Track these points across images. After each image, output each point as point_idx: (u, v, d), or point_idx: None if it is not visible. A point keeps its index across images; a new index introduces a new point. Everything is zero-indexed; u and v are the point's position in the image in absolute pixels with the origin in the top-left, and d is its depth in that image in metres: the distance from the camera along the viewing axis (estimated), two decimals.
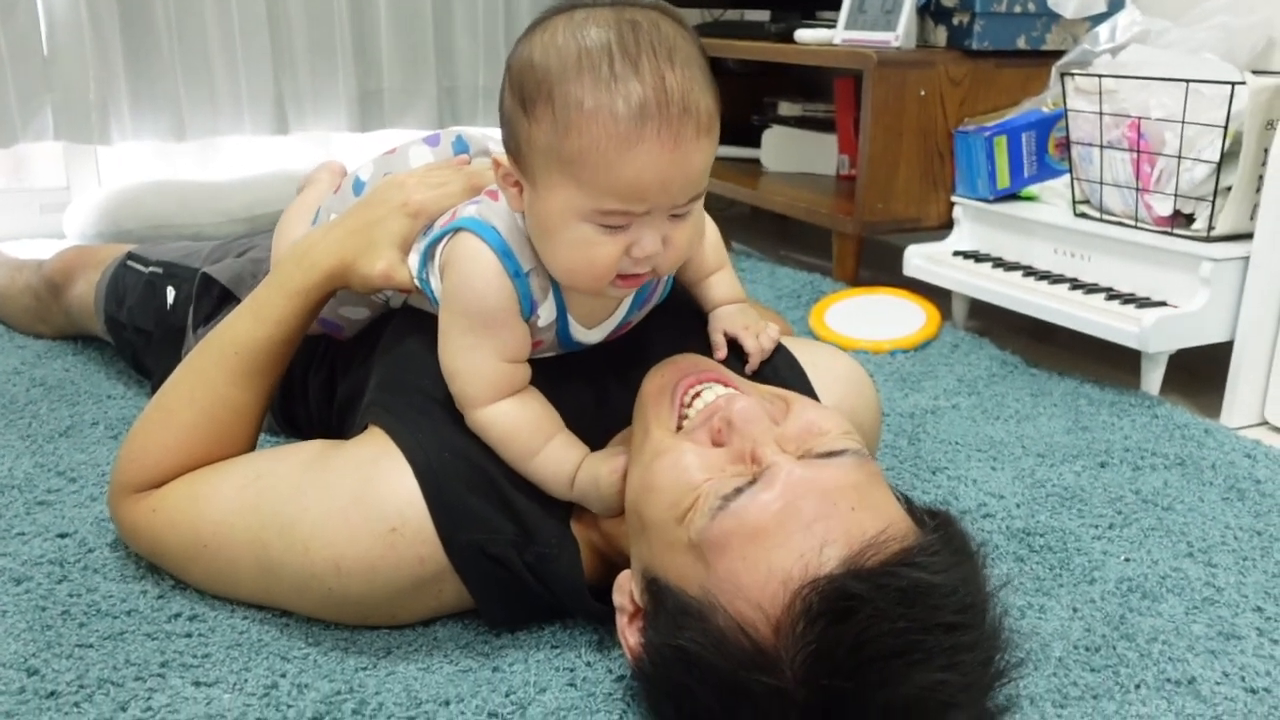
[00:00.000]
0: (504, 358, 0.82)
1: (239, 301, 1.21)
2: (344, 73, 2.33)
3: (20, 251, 1.83)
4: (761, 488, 0.68)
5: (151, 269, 1.35)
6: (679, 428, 0.79)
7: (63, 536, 1.01)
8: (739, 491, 0.69)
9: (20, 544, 1.00)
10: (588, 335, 0.87)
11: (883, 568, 0.63)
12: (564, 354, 0.89)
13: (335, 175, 1.24)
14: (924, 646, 0.60)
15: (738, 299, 0.97)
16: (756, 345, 0.94)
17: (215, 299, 1.26)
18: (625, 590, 0.77)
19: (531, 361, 0.86)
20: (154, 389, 1.32)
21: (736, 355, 0.94)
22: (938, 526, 0.70)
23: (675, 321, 0.95)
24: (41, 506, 1.07)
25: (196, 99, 2.21)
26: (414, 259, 0.91)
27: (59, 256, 1.53)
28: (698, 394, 0.81)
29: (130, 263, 1.39)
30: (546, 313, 0.83)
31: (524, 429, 0.83)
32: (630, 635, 0.76)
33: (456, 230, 0.83)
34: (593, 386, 0.91)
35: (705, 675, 0.64)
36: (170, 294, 1.31)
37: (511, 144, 0.76)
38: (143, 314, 1.34)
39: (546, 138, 0.72)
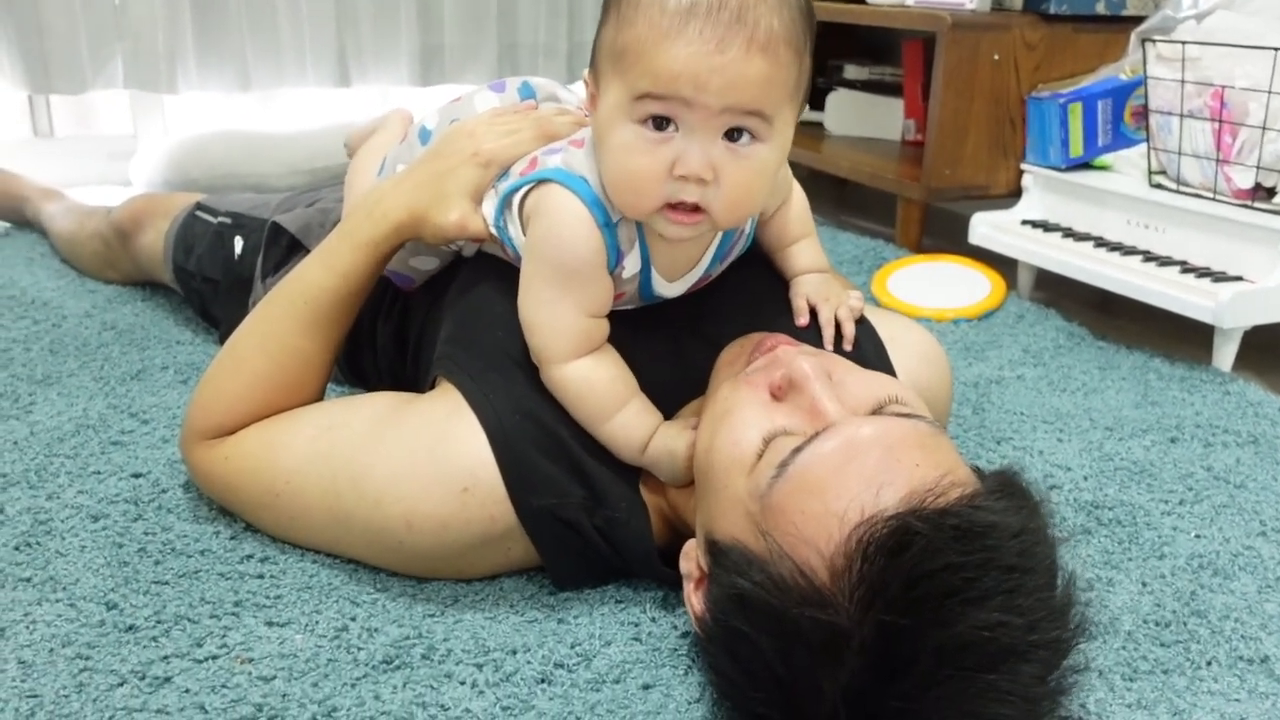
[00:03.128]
0: (586, 312, 0.82)
1: (307, 251, 1.23)
2: (406, 27, 2.32)
3: (89, 198, 1.87)
4: (822, 443, 0.68)
5: (220, 219, 1.37)
6: None
7: (137, 476, 1.03)
8: (797, 452, 0.68)
9: (97, 482, 1.02)
10: (669, 288, 0.87)
11: (941, 508, 0.62)
12: (643, 308, 0.89)
13: (404, 122, 1.24)
14: (980, 585, 0.59)
15: (821, 268, 0.96)
16: (831, 316, 0.92)
17: (284, 248, 1.27)
18: (692, 557, 0.78)
19: (611, 315, 0.86)
20: (221, 337, 1.34)
21: (819, 327, 0.93)
22: (1001, 479, 0.69)
23: (754, 283, 0.95)
24: (116, 447, 1.10)
25: (261, 51, 2.22)
26: (489, 207, 0.90)
27: (128, 204, 1.55)
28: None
29: (199, 213, 1.40)
30: (631, 264, 0.83)
31: (600, 390, 0.83)
32: (695, 601, 0.76)
33: (543, 181, 0.82)
34: (671, 345, 0.90)
35: (762, 619, 0.64)
36: (238, 244, 1.33)
37: (592, 60, 0.78)
38: (211, 263, 1.36)
39: (609, 36, 0.74)
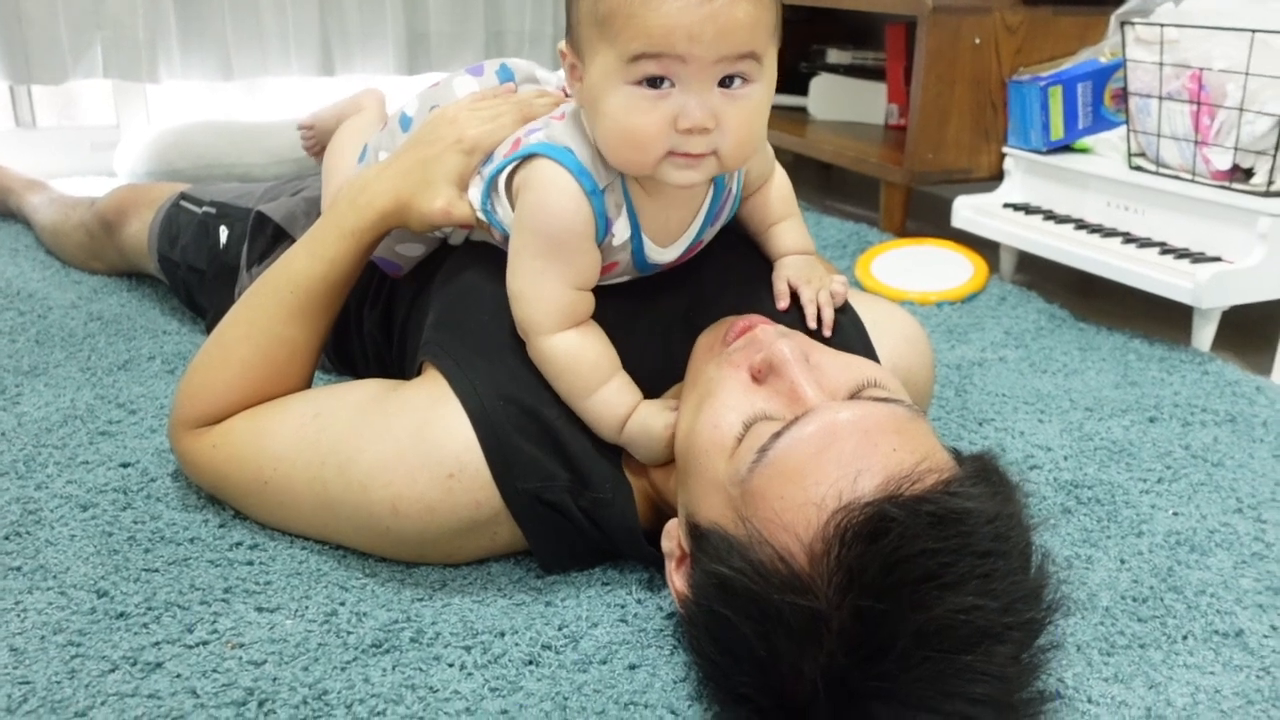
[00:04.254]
0: (572, 284, 0.83)
1: (293, 240, 1.23)
2: (392, 15, 2.32)
3: (72, 189, 1.86)
4: (800, 427, 0.69)
5: (205, 209, 1.37)
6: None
7: (125, 466, 1.04)
8: (776, 437, 0.69)
9: (85, 472, 1.03)
10: (662, 254, 0.88)
11: (918, 495, 0.63)
12: (635, 289, 0.90)
13: (379, 103, 1.25)
14: (955, 570, 0.60)
15: (804, 250, 0.97)
16: (812, 297, 0.93)
17: (269, 238, 1.27)
18: (674, 537, 0.79)
19: (603, 296, 0.86)
20: (208, 327, 1.35)
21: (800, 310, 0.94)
22: (977, 464, 0.70)
23: (741, 271, 0.96)
24: (104, 437, 1.10)
25: (244, 38, 2.21)
26: (475, 191, 0.91)
27: (112, 195, 1.55)
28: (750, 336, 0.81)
29: (183, 203, 1.41)
30: (621, 230, 0.83)
31: (584, 364, 0.84)
32: (677, 580, 0.77)
33: (529, 157, 0.83)
34: (660, 336, 0.91)
35: (742, 603, 0.65)
36: (223, 233, 1.33)
37: (569, 32, 0.78)
38: (196, 253, 1.36)
39: (588, 4, 0.74)
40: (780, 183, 0.97)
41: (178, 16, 2.14)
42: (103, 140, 2.30)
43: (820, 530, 0.63)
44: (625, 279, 0.90)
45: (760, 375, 0.77)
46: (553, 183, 0.81)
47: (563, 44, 0.80)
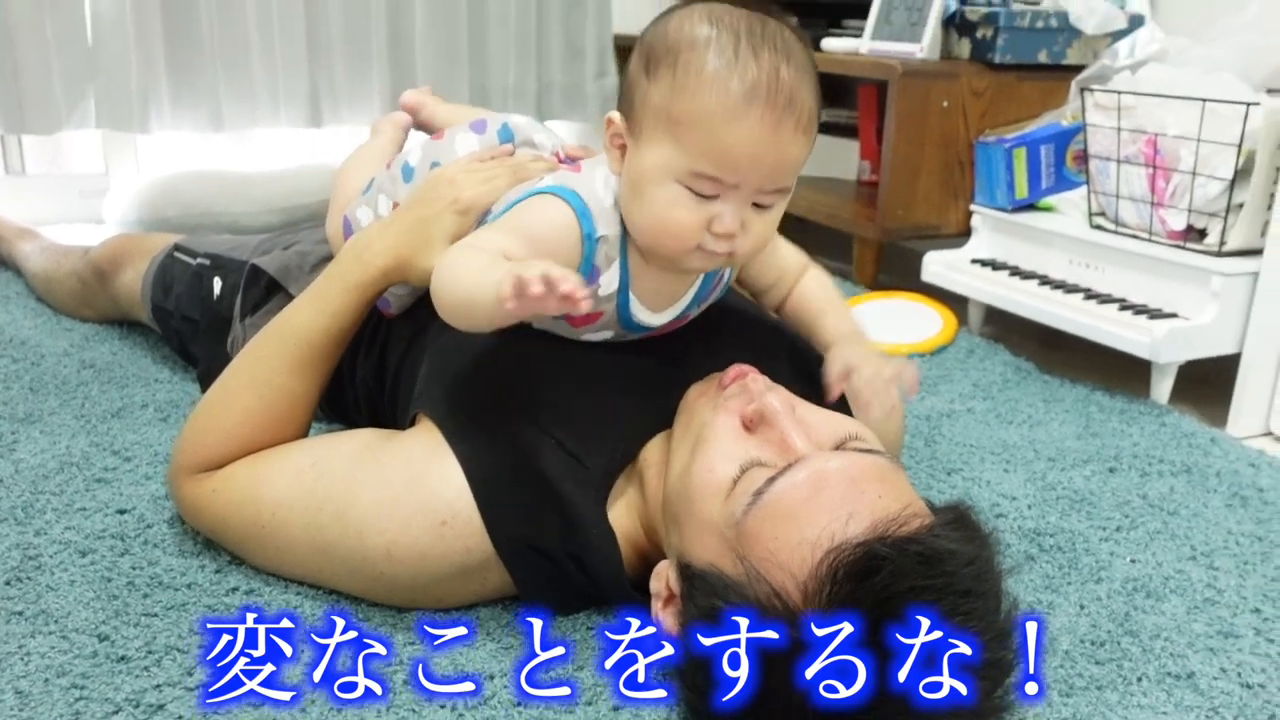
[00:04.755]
0: (505, 256, 0.82)
1: (286, 292, 1.28)
2: (378, 69, 2.38)
3: (61, 236, 1.90)
4: (793, 474, 0.74)
5: (199, 260, 1.41)
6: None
7: (122, 512, 1.07)
8: (771, 481, 0.74)
9: (83, 518, 1.05)
10: (650, 318, 0.93)
11: (905, 536, 0.68)
12: (619, 345, 0.95)
13: (399, 128, 1.31)
14: (940, 608, 0.65)
15: (847, 335, 0.97)
16: (862, 387, 0.88)
17: (263, 289, 1.31)
18: (662, 577, 0.83)
19: (586, 350, 0.92)
20: (200, 375, 1.38)
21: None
22: (954, 511, 0.76)
23: (727, 330, 1.01)
24: (100, 484, 1.13)
25: (235, 91, 2.26)
26: None
27: (106, 244, 1.59)
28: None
29: (178, 254, 1.45)
30: (609, 281, 0.88)
31: (480, 257, 0.82)
32: (666, 620, 0.81)
33: (535, 194, 0.88)
34: (642, 381, 0.96)
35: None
36: (217, 284, 1.37)
37: (625, 105, 0.83)
38: (190, 303, 1.39)
39: (662, 97, 0.79)
40: (815, 275, 1.02)
41: (169, 68, 2.19)
42: (91, 188, 2.34)
43: (814, 568, 0.68)
44: (609, 335, 0.94)
45: (751, 424, 0.82)
46: (553, 206, 0.87)
47: (615, 115, 0.84)
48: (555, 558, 0.89)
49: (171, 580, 0.96)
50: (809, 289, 1.03)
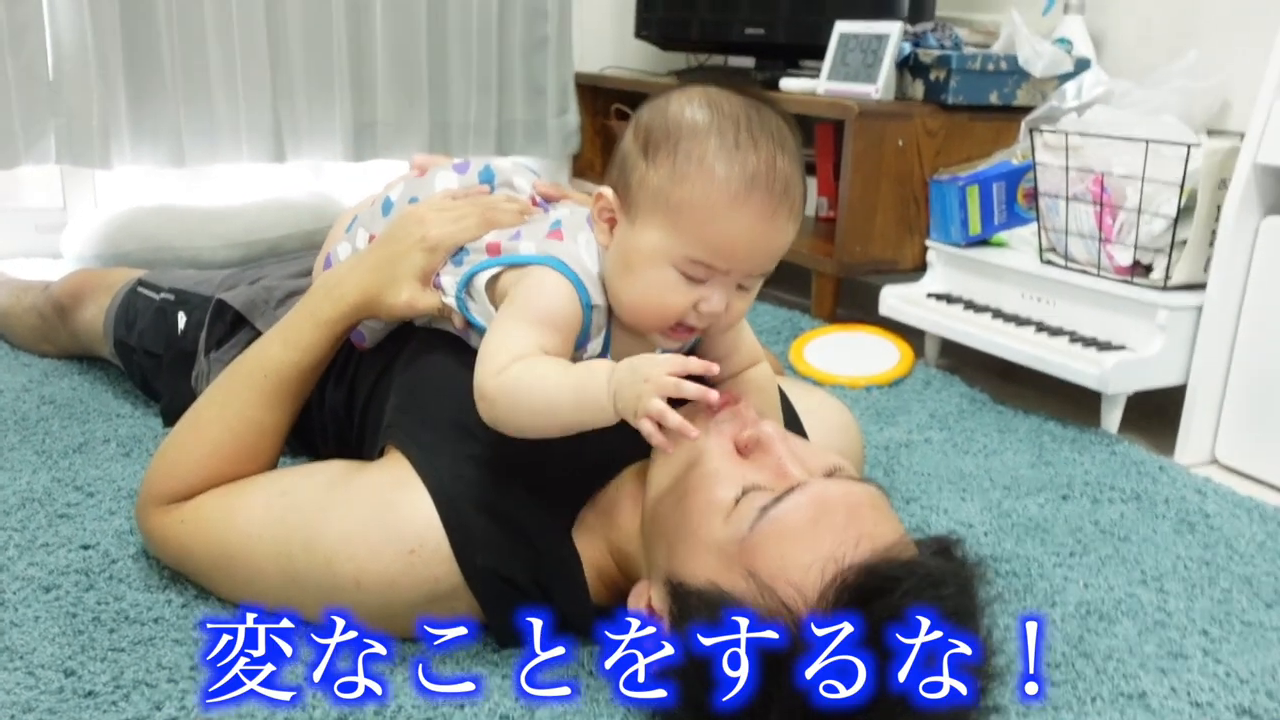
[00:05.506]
0: (542, 348, 0.85)
1: (251, 326, 1.28)
2: (340, 105, 2.39)
3: (18, 270, 1.88)
4: (797, 496, 0.77)
5: (163, 295, 1.41)
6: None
7: (86, 548, 1.07)
8: (776, 502, 0.77)
9: (46, 554, 1.05)
10: None
11: (906, 560, 0.72)
12: None
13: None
14: (940, 630, 0.69)
15: (758, 361, 1.01)
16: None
17: (228, 324, 1.31)
18: (643, 597, 0.84)
19: None
20: (163, 410, 1.38)
21: None
22: (942, 540, 0.80)
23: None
24: (63, 519, 1.12)
25: (196, 127, 2.26)
26: (450, 282, 0.98)
27: (67, 280, 1.58)
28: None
29: (141, 289, 1.45)
30: (594, 346, 0.91)
31: (545, 367, 0.83)
32: None
33: (529, 264, 0.90)
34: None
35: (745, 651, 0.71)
36: (181, 319, 1.37)
37: (620, 183, 0.85)
38: (153, 338, 1.39)
39: (660, 181, 0.81)
40: (764, 371, 1.02)
41: (130, 103, 2.19)
42: (48, 223, 2.33)
43: (824, 588, 0.71)
44: None
45: (746, 449, 0.85)
46: (553, 280, 0.89)
47: (607, 191, 0.86)
48: (522, 587, 0.90)
49: (138, 615, 0.95)
50: (754, 382, 1.00)
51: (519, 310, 0.89)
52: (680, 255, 0.82)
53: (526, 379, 0.83)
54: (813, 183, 2.35)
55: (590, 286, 0.88)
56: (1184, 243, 1.52)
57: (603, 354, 0.92)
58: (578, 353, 0.90)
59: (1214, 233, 1.49)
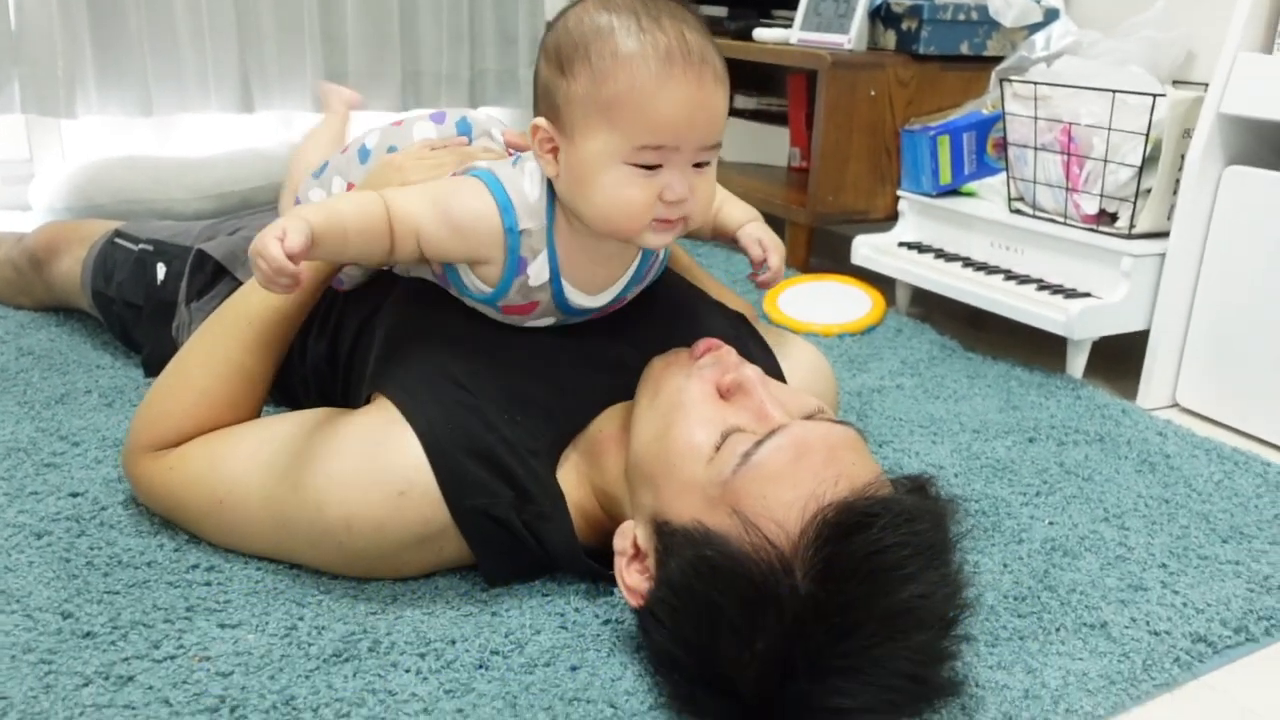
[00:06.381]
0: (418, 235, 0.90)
1: (232, 276, 1.29)
2: (310, 53, 2.37)
3: None
4: (778, 439, 0.79)
5: (141, 246, 1.41)
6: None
7: (74, 495, 1.08)
8: (758, 445, 0.79)
9: (35, 502, 1.06)
10: (587, 300, 0.96)
11: (886, 497, 0.75)
12: (566, 324, 0.99)
13: (346, 104, 1.34)
14: (916, 562, 0.72)
15: (754, 218, 1.09)
16: (780, 265, 1.06)
17: (208, 274, 1.32)
18: (628, 535, 0.87)
19: (529, 334, 0.96)
20: (144, 360, 1.39)
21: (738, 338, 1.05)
22: (917, 479, 0.83)
23: (671, 303, 1.06)
24: (49, 468, 1.14)
25: (163, 75, 2.24)
26: None
27: (41, 232, 1.58)
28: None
29: (118, 240, 1.44)
30: (537, 272, 0.92)
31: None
32: (629, 576, 0.85)
33: (463, 176, 0.92)
34: (596, 352, 1.00)
35: (730, 585, 0.74)
36: (160, 270, 1.37)
37: (549, 109, 0.86)
38: (132, 289, 1.40)
39: (585, 89, 0.82)
40: None
41: (95, 52, 2.15)
42: (14, 174, 2.30)
43: (805, 524, 0.74)
44: (551, 320, 0.98)
45: (727, 393, 0.87)
46: (475, 191, 0.90)
47: (540, 121, 0.87)
48: (510, 526, 0.93)
49: (131, 559, 0.97)
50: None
51: (426, 189, 0.92)
52: (627, 149, 0.82)
53: (352, 197, 0.91)
54: (785, 133, 2.36)
55: (521, 211, 0.90)
56: (1148, 192, 1.55)
57: (553, 278, 0.93)
58: (519, 279, 0.92)
59: (1178, 182, 1.52)
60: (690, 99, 0.81)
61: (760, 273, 1.05)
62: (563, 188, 0.88)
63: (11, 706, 0.78)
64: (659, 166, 0.83)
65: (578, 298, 0.96)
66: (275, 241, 0.80)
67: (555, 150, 0.87)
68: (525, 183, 0.91)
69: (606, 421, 0.97)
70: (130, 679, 0.81)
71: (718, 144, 0.86)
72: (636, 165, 0.83)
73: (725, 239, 1.10)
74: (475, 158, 1.03)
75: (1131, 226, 1.56)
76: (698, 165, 0.85)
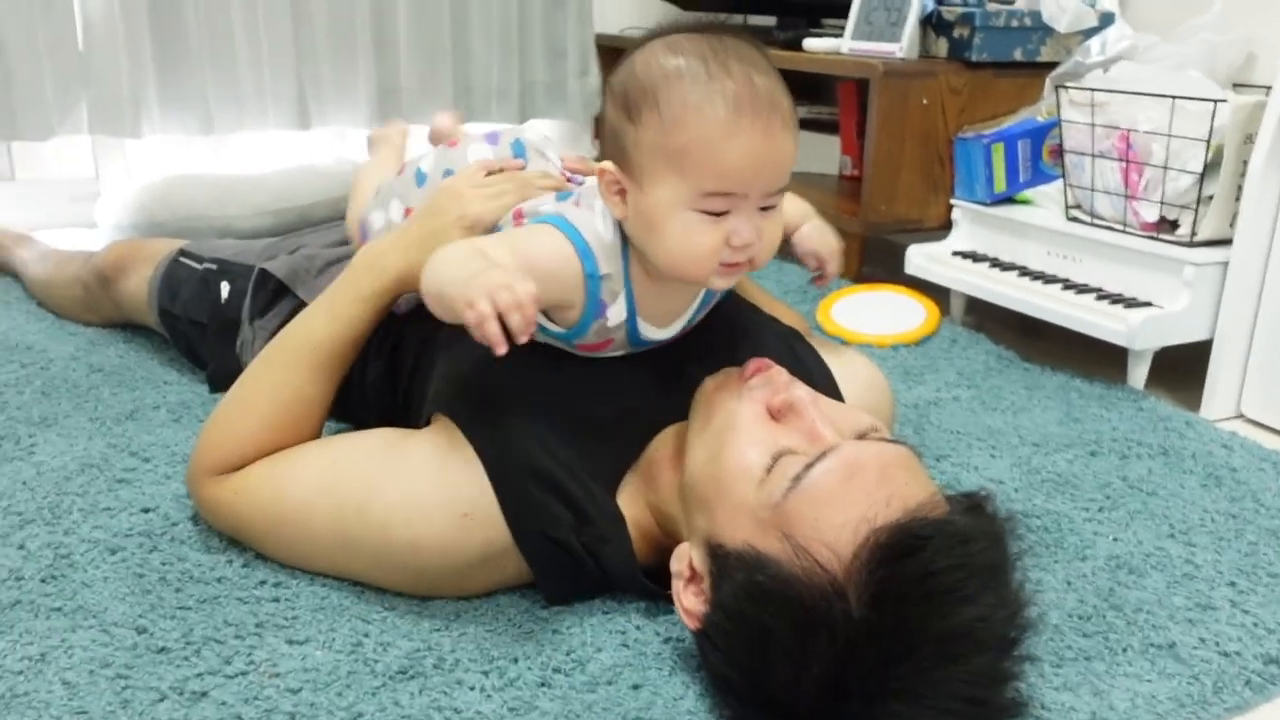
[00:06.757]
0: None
1: (293, 295, 1.32)
2: (364, 70, 2.41)
3: (53, 240, 1.92)
4: (829, 460, 0.79)
5: (205, 265, 1.44)
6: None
7: (146, 511, 1.11)
8: (808, 468, 0.79)
9: (109, 518, 1.09)
10: (657, 333, 0.97)
11: (940, 518, 0.75)
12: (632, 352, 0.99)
13: (401, 135, 1.37)
14: (973, 584, 0.71)
15: (807, 216, 1.10)
16: (837, 269, 1.09)
17: (270, 292, 1.35)
18: (684, 558, 0.87)
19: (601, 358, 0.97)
20: (209, 377, 1.42)
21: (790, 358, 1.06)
22: (973, 498, 0.82)
23: (731, 325, 1.06)
24: (121, 484, 1.16)
25: (223, 94, 2.28)
26: None
27: (109, 251, 1.62)
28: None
29: (183, 259, 1.48)
30: (615, 314, 0.93)
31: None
32: (686, 598, 0.85)
33: (538, 222, 0.93)
34: (654, 374, 1.00)
35: (781, 609, 0.74)
36: (224, 289, 1.40)
37: (616, 152, 0.87)
38: (197, 307, 1.43)
39: (653, 136, 0.83)
40: None
41: (158, 72, 2.21)
42: (81, 193, 2.36)
43: (856, 547, 0.74)
44: (619, 353, 1.00)
45: (779, 414, 0.87)
46: (549, 234, 0.91)
47: (608, 165, 0.88)
48: (570, 548, 0.94)
49: (201, 575, 0.99)
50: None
51: (505, 238, 0.92)
52: (695, 195, 0.83)
53: (447, 253, 0.89)
54: (836, 141, 2.36)
55: (600, 255, 0.90)
56: (1210, 198, 1.53)
57: (628, 319, 0.94)
58: (598, 321, 0.92)
59: (1240, 188, 1.50)
60: (758, 147, 0.81)
61: (818, 277, 1.09)
62: (630, 230, 0.89)
63: None
64: (726, 212, 0.84)
65: (650, 332, 0.97)
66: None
67: (623, 193, 0.88)
68: (599, 223, 0.91)
69: (663, 442, 0.98)
70: (204, 694, 0.83)
71: (784, 188, 0.86)
72: (704, 211, 0.83)
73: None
74: (533, 184, 1.05)
75: (1193, 234, 1.54)
76: (764, 208, 0.85)
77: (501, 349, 0.81)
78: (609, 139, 0.88)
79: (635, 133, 0.84)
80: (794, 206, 1.10)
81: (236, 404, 1.05)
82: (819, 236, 1.09)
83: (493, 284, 0.80)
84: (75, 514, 1.10)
